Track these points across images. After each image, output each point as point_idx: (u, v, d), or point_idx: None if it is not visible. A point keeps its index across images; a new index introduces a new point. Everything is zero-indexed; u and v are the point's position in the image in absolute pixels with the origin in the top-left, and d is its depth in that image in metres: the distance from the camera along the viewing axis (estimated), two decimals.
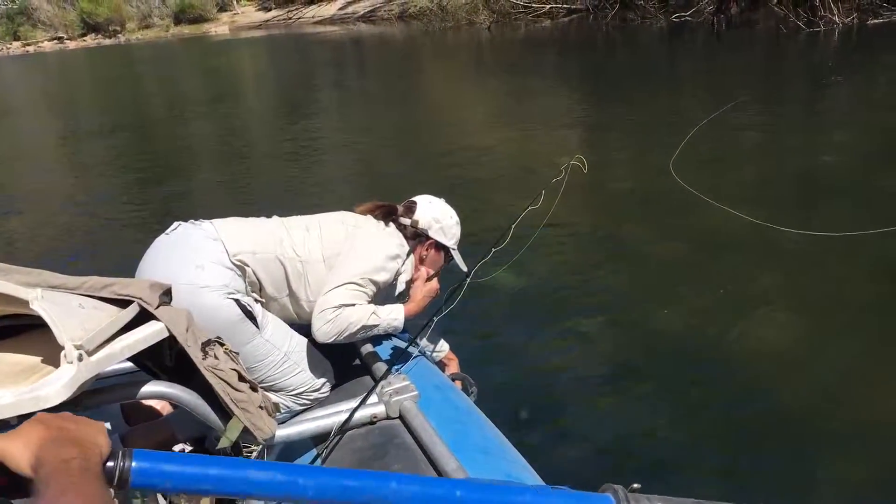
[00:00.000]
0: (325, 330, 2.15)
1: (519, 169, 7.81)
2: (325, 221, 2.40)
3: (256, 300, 2.24)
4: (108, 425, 2.19)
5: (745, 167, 7.59)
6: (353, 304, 2.19)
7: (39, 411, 1.52)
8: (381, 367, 2.24)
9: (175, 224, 2.27)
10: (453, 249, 2.61)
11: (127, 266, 2.29)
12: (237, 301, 2.11)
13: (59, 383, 1.52)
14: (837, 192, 6.37)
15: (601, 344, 4.06)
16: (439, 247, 2.58)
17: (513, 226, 2.66)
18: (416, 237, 2.54)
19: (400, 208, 2.58)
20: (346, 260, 2.26)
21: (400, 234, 2.47)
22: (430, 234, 2.54)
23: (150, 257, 2.19)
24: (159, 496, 1.77)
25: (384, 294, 2.39)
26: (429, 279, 2.52)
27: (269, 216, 2.43)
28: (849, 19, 16.35)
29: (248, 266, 2.19)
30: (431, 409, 2.04)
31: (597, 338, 4.14)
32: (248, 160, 10.33)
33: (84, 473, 0.76)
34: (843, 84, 11.10)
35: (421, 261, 2.55)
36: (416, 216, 2.54)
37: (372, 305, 2.26)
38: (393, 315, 2.29)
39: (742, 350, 3.91)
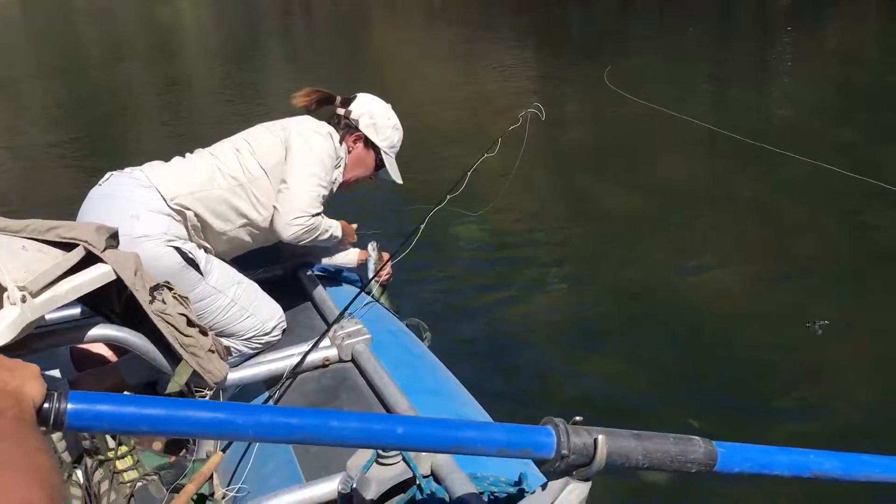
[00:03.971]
0: (296, 233, 2.21)
1: (476, 118, 7.81)
2: (252, 136, 2.36)
3: (200, 245, 2.20)
4: (57, 373, 2.16)
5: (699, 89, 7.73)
6: (321, 211, 2.26)
7: None
8: (333, 311, 2.25)
9: (107, 174, 2.22)
10: (385, 154, 2.52)
11: (62, 214, 2.24)
12: (178, 248, 2.07)
13: (2, 324, 1.50)
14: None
15: (555, 291, 4.13)
16: (368, 144, 2.51)
17: (468, 173, 2.66)
18: (347, 128, 2.49)
19: (338, 98, 2.53)
20: (295, 164, 2.25)
21: (327, 125, 2.42)
22: (360, 126, 2.48)
23: (86, 210, 2.15)
24: (107, 435, 1.75)
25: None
26: (354, 183, 2.54)
27: (191, 152, 2.37)
28: None
29: (188, 209, 2.15)
30: (384, 352, 2.05)
31: (551, 285, 4.21)
32: (183, 105, 10.18)
33: (20, 423, 0.74)
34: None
35: (348, 153, 2.49)
36: (351, 107, 2.50)
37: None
38: (339, 230, 2.41)
39: (697, 294, 4.02)
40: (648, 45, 12.02)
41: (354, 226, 2.64)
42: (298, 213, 2.19)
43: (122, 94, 11.74)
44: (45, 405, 0.82)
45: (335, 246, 2.52)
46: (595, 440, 1.18)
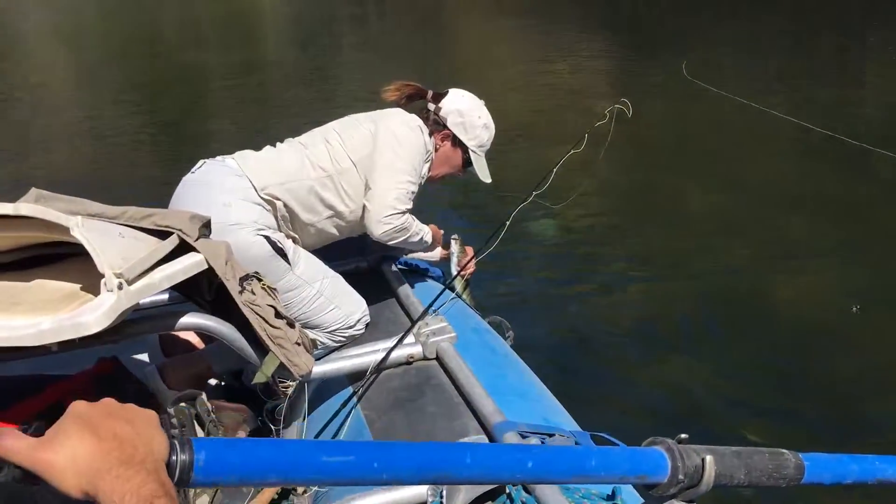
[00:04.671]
0: (386, 231, 2.20)
1: (554, 111, 7.68)
2: (342, 127, 2.33)
3: (288, 236, 2.20)
4: (145, 357, 2.18)
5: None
6: (411, 207, 2.25)
7: (80, 338, 1.53)
8: (418, 308, 2.22)
9: (200, 162, 2.23)
10: (473, 153, 2.46)
11: (156, 200, 2.26)
12: (267, 238, 2.07)
13: (99, 311, 1.50)
14: None
15: (639, 294, 4.03)
16: (456, 143, 2.45)
17: (554, 169, 2.60)
18: (436, 125, 2.44)
19: (429, 93, 2.48)
20: (384, 159, 2.22)
21: (418, 118, 2.38)
22: (448, 124, 2.43)
23: (179, 196, 2.16)
24: (196, 426, 1.76)
25: None
26: (439, 178, 2.49)
27: (281, 141, 2.36)
28: None
29: (278, 199, 2.15)
30: (468, 351, 2.01)
31: (636, 288, 4.11)
32: (259, 90, 10.33)
33: None
34: None
35: (436, 150, 2.44)
36: (441, 104, 2.45)
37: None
38: (430, 235, 2.40)
39: (784, 298, 3.87)
40: (724, 36, 11.69)
41: (441, 232, 2.61)
42: (389, 209, 2.17)
43: (198, 78, 12.01)
44: (172, 457, 0.71)
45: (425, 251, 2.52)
46: (703, 461, 1.13)
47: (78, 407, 0.69)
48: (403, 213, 2.21)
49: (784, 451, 1.21)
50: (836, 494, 2.20)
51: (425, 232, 2.36)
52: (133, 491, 0.64)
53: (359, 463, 0.82)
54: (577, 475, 1.01)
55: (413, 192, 2.26)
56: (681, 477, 1.07)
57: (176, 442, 0.72)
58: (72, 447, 0.65)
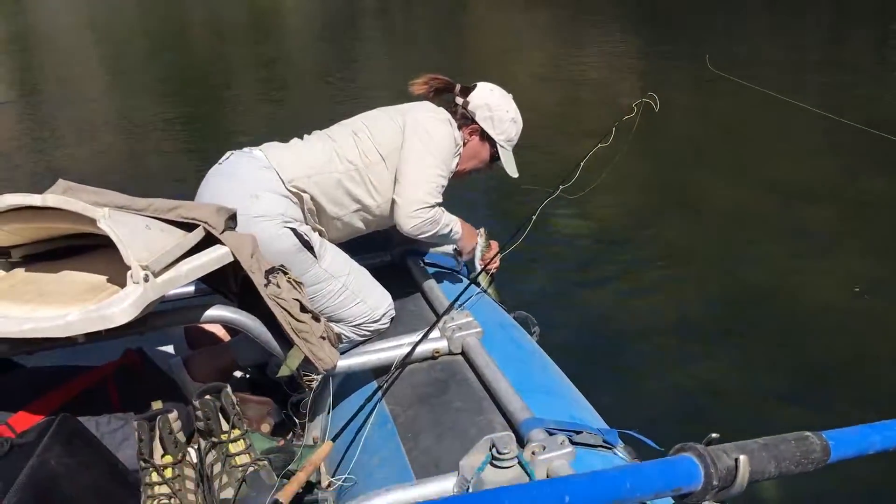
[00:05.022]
0: (417, 225, 2.16)
1: (587, 106, 7.61)
2: (370, 120, 2.31)
3: (314, 229, 2.19)
4: (171, 349, 2.19)
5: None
6: (441, 202, 2.21)
7: (106, 329, 1.53)
8: (443, 302, 2.20)
9: (227, 154, 2.21)
10: (501, 147, 2.43)
11: (183, 192, 2.26)
12: (294, 230, 2.06)
13: (125, 303, 1.51)
14: None
15: (666, 290, 4.00)
16: (484, 137, 2.42)
17: (581, 163, 2.57)
18: (464, 119, 2.41)
19: (457, 87, 2.45)
20: (413, 152, 2.19)
21: (446, 112, 2.36)
22: (476, 118, 2.39)
23: (206, 188, 2.15)
24: (221, 417, 1.76)
25: None
26: (468, 174, 2.45)
27: (309, 133, 2.34)
28: None
29: (305, 192, 2.14)
30: (494, 346, 1.99)
31: (662, 284, 4.08)
32: (283, 82, 10.39)
33: None
34: None
35: (464, 144, 2.40)
36: (470, 97, 2.42)
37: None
38: (460, 227, 2.34)
39: (812, 296, 3.82)
40: (748, 27, 11.55)
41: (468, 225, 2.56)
42: (419, 203, 2.14)
43: (225, 71, 12.07)
44: None
45: (455, 243, 2.46)
46: (737, 461, 1.11)
47: None
48: (433, 206, 2.18)
49: (808, 433, 1.22)
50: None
51: (454, 223, 2.33)
52: None
53: None
54: (615, 500, 0.99)
55: (443, 186, 2.23)
56: (715, 482, 1.06)
57: None
58: None
